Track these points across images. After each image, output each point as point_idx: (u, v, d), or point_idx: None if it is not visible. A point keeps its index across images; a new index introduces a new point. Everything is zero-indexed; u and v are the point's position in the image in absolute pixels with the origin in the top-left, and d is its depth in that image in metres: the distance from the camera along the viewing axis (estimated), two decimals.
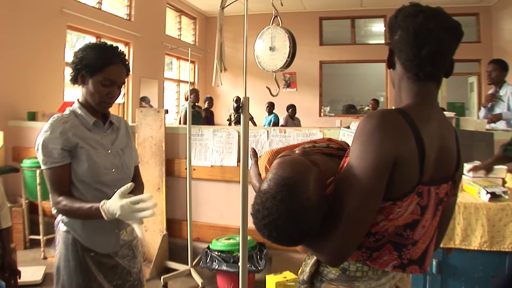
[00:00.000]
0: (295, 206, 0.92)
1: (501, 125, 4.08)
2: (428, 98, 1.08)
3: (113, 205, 1.45)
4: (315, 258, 1.15)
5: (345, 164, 1.03)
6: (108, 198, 1.51)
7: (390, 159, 0.94)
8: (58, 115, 1.70)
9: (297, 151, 1.08)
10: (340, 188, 0.99)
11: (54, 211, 1.62)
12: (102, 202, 1.48)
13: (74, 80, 1.72)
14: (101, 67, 1.64)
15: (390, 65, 1.14)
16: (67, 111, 1.74)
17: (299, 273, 1.23)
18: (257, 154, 1.23)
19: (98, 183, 1.66)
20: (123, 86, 1.76)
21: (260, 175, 1.16)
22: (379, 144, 0.94)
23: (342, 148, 1.23)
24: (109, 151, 1.72)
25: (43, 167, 1.62)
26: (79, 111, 1.72)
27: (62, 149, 1.60)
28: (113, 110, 1.80)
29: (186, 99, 5.93)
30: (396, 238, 1.03)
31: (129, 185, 1.48)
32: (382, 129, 0.95)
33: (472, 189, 2.47)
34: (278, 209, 0.92)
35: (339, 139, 1.36)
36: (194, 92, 6.10)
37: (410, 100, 1.07)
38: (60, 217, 1.69)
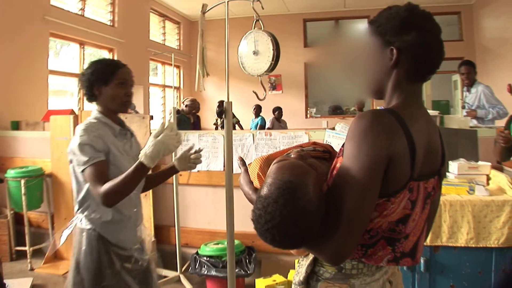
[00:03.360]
0: (297, 210, 0.94)
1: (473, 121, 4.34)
2: (416, 97, 1.12)
3: (148, 146, 1.57)
4: (311, 258, 1.16)
5: (337, 165, 1.05)
6: (131, 200, 1.80)
7: (384, 157, 0.97)
8: (86, 123, 1.80)
9: (292, 155, 1.09)
10: (337, 188, 1.01)
11: (102, 201, 1.63)
12: (139, 156, 1.59)
13: (90, 96, 1.86)
14: (112, 73, 1.81)
15: (394, 65, 1.09)
16: (92, 120, 1.83)
17: (294, 274, 1.24)
18: (245, 162, 1.23)
19: None
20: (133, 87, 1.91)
21: (252, 182, 1.16)
22: (373, 143, 0.96)
23: (327, 151, 1.25)
24: (130, 157, 1.85)
25: (83, 167, 1.68)
26: (103, 120, 1.84)
27: (99, 149, 1.71)
28: None
29: (186, 108, 5.92)
30: (389, 233, 1.05)
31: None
32: (375, 129, 0.97)
33: (459, 189, 2.49)
34: (281, 213, 0.93)
35: (325, 141, 1.37)
36: (192, 102, 6.08)
37: (400, 100, 1.09)
38: (83, 215, 1.80)
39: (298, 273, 1.19)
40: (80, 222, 1.83)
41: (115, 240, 1.81)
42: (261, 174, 1.14)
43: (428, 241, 2.36)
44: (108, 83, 1.81)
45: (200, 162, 1.93)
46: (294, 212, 0.93)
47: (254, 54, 1.80)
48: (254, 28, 1.80)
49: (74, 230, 1.87)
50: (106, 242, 1.80)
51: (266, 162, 1.15)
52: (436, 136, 1.13)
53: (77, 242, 1.82)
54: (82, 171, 1.69)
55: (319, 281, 1.13)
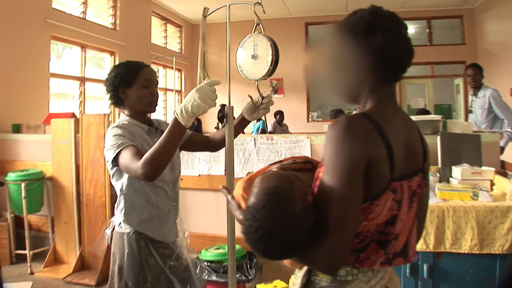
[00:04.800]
0: (287, 213, 0.94)
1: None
2: (390, 99, 1.13)
3: (185, 99, 1.51)
4: (305, 269, 1.14)
5: (320, 174, 1.05)
6: (167, 194, 1.89)
7: (362, 162, 0.97)
8: (118, 122, 1.84)
9: (274, 168, 1.10)
10: (321, 197, 1.01)
11: (143, 171, 1.54)
12: (174, 112, 1.55)
13: (116, 100, 1.89)
14: (135, 74, 1.84)
15: (363, 68, 1.10)
16: (122, 121, 1.86)
17: (290, 285, 1.22)
18: (230, 191, 1.21)
19: (160, 181, 1.83)
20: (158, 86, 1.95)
21: (240, 207, 1.14)
22: (349, 148, 0.97)
23: (308, 161, 1.25)
24: None
25: (117, 150, 1.67)
26: (132, 121, 1.87)
27: (131, 138, 1.74)
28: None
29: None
30: (379, 236, 1.05)
31: None
32: (350, 134, 0.98)
33: (462, 195, 2.46)
34: (271, 218, 0.94)
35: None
36: None
37: (374, 103, 1.10)
38: (120, 219, 1.84)
39: (294, 284, 1.17)
40: (118, 226, 1.87)
41: (155, 236, 1.85)
42: (245, 195, 1.12)
43: (431, 247, 2.33)
44: (132, 85, 1.84)
45: (272, 103, 1.85)
46: (284, 215, 0.94)
47: (252, 58, 1.77)
48: (254, 32, 1.78)
49: (114, 236, 1.90)
50: (147, 242, 1.83)
51: (248, 182, 1.14)
52: (415, 134, 1.15)
53: (118, 247, 1.85)
54: (116, 157, 1.67)
55: None
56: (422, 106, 9.27)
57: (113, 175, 1.86)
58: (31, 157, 4.42)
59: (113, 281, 1.86)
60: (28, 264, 3.91)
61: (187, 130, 1.65)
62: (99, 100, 7.42)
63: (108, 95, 1.91)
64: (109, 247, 2.04)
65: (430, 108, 8.95)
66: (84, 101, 6.44)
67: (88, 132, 3.91)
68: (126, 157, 1.64)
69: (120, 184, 1.85)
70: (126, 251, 1.82)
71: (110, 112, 7.11)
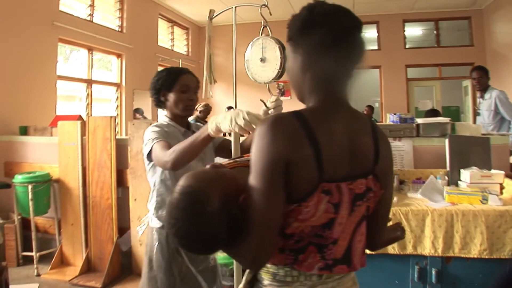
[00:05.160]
0: (196, 212, 0.98)
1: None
2: (334, 97, 1.09)
3: (226, 115, 1.50)
4: None
5: None
6: None
7: (281, 160, 0.96)
8: (158, 123, 2.00)
9: (207, 166, 1.13)
10: (247, 195, 1.02)
11: (170, 159, 1.66)
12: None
13: (158, 102, 2.05)
14: (174, 79, 1.97)
15: (305, 67, 1.09)
16: (160, 121, 2.03)
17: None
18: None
19: None
20: (197, 92, 2.06)
21: None
22: (268, 146, 0.97)
23: None
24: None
25: (151, 144, 1.81)
26: (170, 122, 2.02)
27: (166, 136, 1.85)
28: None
29: (201, 114, 5.91)
30: (316, 239, 1.03)
31: None
32: (271, 133, 0.98)
33: (471, 198, 2.43)
34: (182, 216, 0.98)
35: None
36: (206, 107, 6.11)
37: (315, 102, 1.09)
38: (152, 214, 1.97)
39: (243, 280, 1.18)
40: (151, 221, 2.00)
41: None
42: None
43: (439, 252, 2.30)
44: (171, 89, 1.97)
45: (282, 108, 1.79)
46: (194, 213, 0.98)
47: (261, 61, 1.76)
48: (261, 35, 1.77)
49: (147, 230, 2.04)
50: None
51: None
52: (365, 136, 1.10)
53: (149, 240, 1.98)
54: (150, 151, 1.81)
55: None
56: (429, 108, 9.20)
57: (148, 170, 2.01)
58: (38, 159, 4.44)
59: (145, 270, 2.00)
60: (35, 266, 3.91)
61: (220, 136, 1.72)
62: (106, 102, 7.45)
63: (152, 97, 2.08)
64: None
65: (437, 110, 8.88)
66: (91, 103, 6.46)
67: (94, 135, 3.92)
68: (157, 149, 1.77)
69: (153, 180, 1.99)
70: (155, 245, 1.94)
71: (117, 114, 7.14)
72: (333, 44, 1.04)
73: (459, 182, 2.75)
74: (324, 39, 1.04)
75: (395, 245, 2.35)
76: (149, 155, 1.84)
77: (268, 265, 1.08)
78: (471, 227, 2.27)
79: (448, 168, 2.88)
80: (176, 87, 1.97)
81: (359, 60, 1.09)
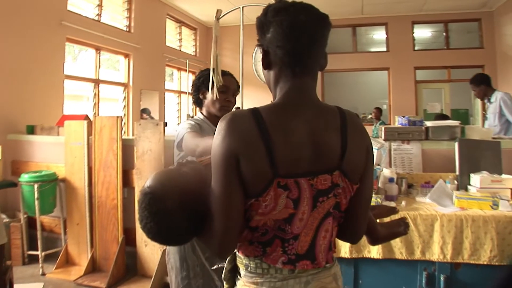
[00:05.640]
0: (155, 210, 1.05)
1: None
2: (302, 94, 1.12)
3: None
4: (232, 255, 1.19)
5: None
6: None
7: (232, 156, 1.01)
8: (193, 118, 2.08)
9: (175, 164, 1.20)
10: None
11: (199, 145, 1.76)
12: None
13: (196, 99, 2.12)
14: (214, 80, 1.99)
15: (267, 65, 1.15)
16: (196, 117, 2.12)
17: None
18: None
19: None
20: (236, 96, 2.14)
21: None
22: (221, 142, 1.02)
23: None
24: None
25: (184, 132, 1.90)
26: (204, 119, 2.09)
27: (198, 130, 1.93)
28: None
29: None
30: (279, 232, 1.06)
31: None
32: (226, 129, 1.03)
33: (481, 203, 2.38)
34: (144, 214, 1.06)
35: None
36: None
37: (278, 98, 1.13)
38: None
39: (224, 269, 1.22)
40: None
41: None
42: None
43: (448, 258, 2.26)
44: (217, 87, 1.98)
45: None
46: (153, 212, 1.05)
47: None
48: None
49: None
50: None
51: None
52: (329, 131, 1.09)
53: None
54: (181, 141, 1.90)
55: (239, 279, 1.15)
56: (438, 111, 9.13)
57: (176, 162, 2.01)
58: (45, 158, 4.44)
59: (166, 259, 2.11)
60: (40, 265, 3.91)
61: None
62: (113, 102, 7.46)
63: (191, 95, 2.16)
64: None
65: (446, 113, 8.79)
66: (98, 103, 6.46)
67: (101, 134, 3.91)
68: (188, 137, 1.86)
69: None
70: None
71: (124, 114, 7.14)
72: (285, 40, 1.08)
73: (468, 186, 2.70)
74: (276, 37, 1.09)
75: (403, 250, 2.32)
76: (179, 144, 1.93)
77: (242, 256, 1.12)
78: (481, 233, 2.23)
79: (457, 172, 2.83)
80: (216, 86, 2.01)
81: (316, 55, 1.12)
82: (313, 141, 1.06)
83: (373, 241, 1.39)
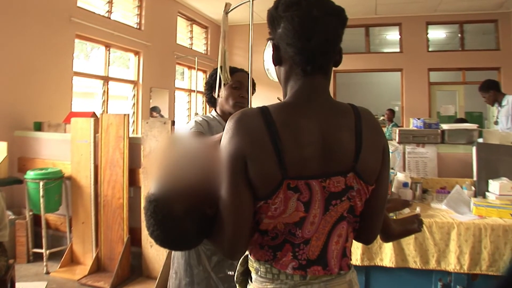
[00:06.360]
0: (160, 218, 1.01)
1: None
2: (314, 93, 1.06)
3: None
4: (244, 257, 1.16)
5: None
6: None
7: (239, 156, 0.97)
8: (205, 115, 2.01)
9: None
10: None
11: None
12: None
13: (210, 98, 2.07)
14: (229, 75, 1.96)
15: (277, 61, 1.10)
16: (208, 114, 2.05)
17: None
18: None
19: None
20: (250, 92, 2.10)
21: None
22: (229, 142, 0.99)
23: None
24: None
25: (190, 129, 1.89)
26: (217, 117, 2.03)
27: (202, 130, 1.89)
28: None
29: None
30: (290, 236, 1.02)
31: None
32: (234, 129, 1.00)
33: (501, 212, 2.26)
34: (149, 222, 1.03)
35: None
36: None
37: (288, 96, 1.08)
38: None
39: (236, 271, 1.19)
40: None
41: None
42: None
43: (465, 268, 2.15)
44: (225, 85, 1.97)
45: None
46: (158, 221, 1.01)
47: None
48: None
49: None
50: None
51: None
52: (344, 131, 1.04)
53: None
54: None
55: (251, 283, 1.11)
56: (452, 114, 8.98)
57: None
58: (51, 155, 4.40)
59: (171, 265, 2.06)
60: (44, 263, 3.86)
61: None
62: (123, 99, 7.42)
63: (204, 93, 2.11)
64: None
65: (460, 116, 8.65)
66: (107, 101, 6.41)
67: (107, 132, 3.84)
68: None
69: None
70: None
71: (133, 112, 7.09)
72: (295, 38, 1.02)
73: (487, 193, 2.58)
74: (286, 34, 1.03)
75: (417, 259, 2.21)
76: None
77: (253, 260, 1.08)
78: (500, 243, 2.11)
79: (475, 178, 2.71)
80: (229, 82, 1.98)
81: (330, 52, 1.06)
82: (325, 141, 1.01)
83: (386, 238, 1.32)
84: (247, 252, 1.12)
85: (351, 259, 1.11)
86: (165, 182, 1.06)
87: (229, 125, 1.01)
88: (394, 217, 2.10)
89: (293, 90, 1.06)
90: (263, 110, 1.02)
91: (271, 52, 1.08)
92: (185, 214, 1.02)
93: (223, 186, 1.00)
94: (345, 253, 1.07)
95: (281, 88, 1.13)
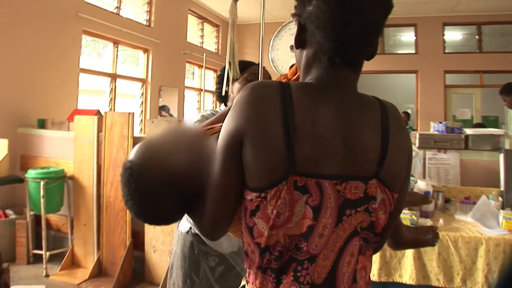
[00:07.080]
0: (133, 188, 0.89)
1: None
2: (338, 83, 0.89)
3: None
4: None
5: None
6: None
7: (237, 134, 0.83)
8: (213, 109, 1.93)
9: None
10: None
11: None
12: None
13: (220, 92, 1.97)
14: (243, 68, 1.85)
15: (300, 44, 0.93)
16: (218, 109, 1.94)
17: None
18: None
19: None
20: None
21: None
22: (233, 116, 0.86)
23: None
24: None
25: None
26: None
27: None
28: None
29: None
30: (295, 253, 0.83)
31: None
32: (244, 101, 0.85)
33: None
34: (123, 190, 0.93)
35: None
36: None
37: (317, 82, 0.90)
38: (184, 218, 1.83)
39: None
40: (181, 222, 1.90)
41: (212, 243, 1.81)
42: None
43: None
44: (238, 77, 1.87)
45: None
46: (131, 191, 0.90)
47: (291, 48, 1.49)
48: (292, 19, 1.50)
49: (176, 232, 1.97)
50: (199, 245, 1.82)
51: None
52: (369, 130, 0.87)
53: (175, 244, 1.94)
54: None
55: None
56: (468, 117, 8.74)
57: None
58: (54, 154, 4.27)
59: (169, 274, 1.96)
60: (44, 265, 3.73)
61: None
62: (132, 98, 7.29)
63: (215, 88, 2.02)
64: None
65: (477, 120, 8.40)
66: (114, 98, 6.28)
67: (111, 131, 3.69)
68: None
69: None
70: (175, 250, 1.90)
71: (142, 111, 6.96)
72: (328, 22, 0.84)
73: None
74: (318, 15, 0.85)
75: (440, 276, 2.02)
76: None
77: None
78: None
79: (502, 188, 2.51)
80: (243, 75, 1.87)
81: (367, 45, 0.90)
82: (347, 138, 0.85)
83: (396, 245, 1.14)
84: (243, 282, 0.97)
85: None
86: (144, 151, 0.95)
87: (239, 95, 0.87)
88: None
89: (317, 74, 0.90)
90: (283, 86, 0.86)
91: (293, 33, 0.91)
92: (162, 187, 0.91)
93: (216, 158, 0.88)
94: (355, 278, 0.87)
95: (300, 76, 0.97)
